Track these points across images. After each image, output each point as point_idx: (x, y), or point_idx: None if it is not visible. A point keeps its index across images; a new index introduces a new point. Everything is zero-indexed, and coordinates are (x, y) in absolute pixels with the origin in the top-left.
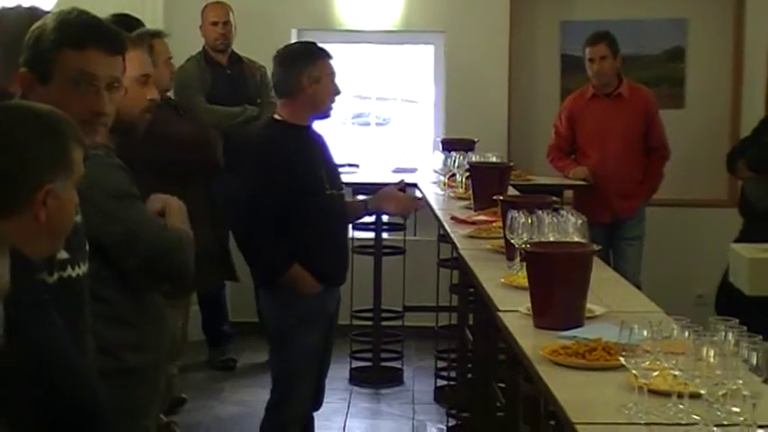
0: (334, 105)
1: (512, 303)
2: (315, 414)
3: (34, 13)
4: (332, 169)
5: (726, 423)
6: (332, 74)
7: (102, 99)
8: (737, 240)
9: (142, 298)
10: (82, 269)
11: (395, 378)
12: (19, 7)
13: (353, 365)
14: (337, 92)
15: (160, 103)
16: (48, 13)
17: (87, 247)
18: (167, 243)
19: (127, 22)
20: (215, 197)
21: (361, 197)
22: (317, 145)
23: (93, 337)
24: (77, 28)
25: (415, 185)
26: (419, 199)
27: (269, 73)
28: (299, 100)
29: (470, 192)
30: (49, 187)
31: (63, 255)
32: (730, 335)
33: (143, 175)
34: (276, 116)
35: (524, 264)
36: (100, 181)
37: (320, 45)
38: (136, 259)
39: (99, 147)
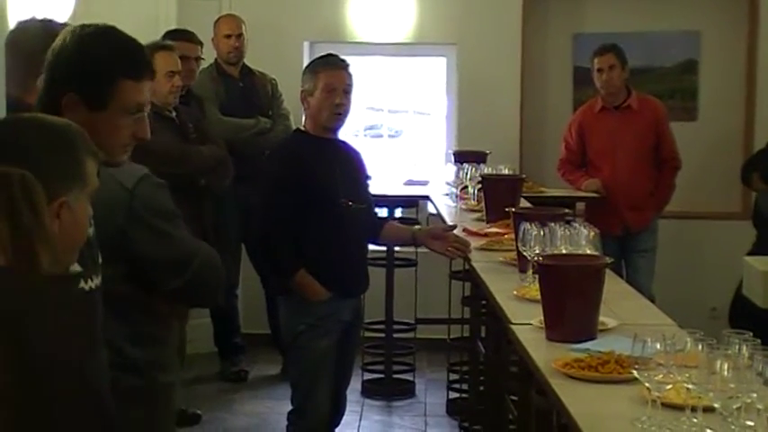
0: (338, 118)
1: (524, 316)
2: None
3: (48, 27)
4: (354, 182)
5: None
6: (328, 87)
7: (146, 125)
8: (751, 253)
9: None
10: (95, 282)
11: (407, 390)
12: (33, 20)
13: (365, 378)
14: (334, 104)
15: (152, 116)
16: (62, 26)
17: (100, 260)
18: (211, 263)
19: (180, 36)
20: (205, 215)
21: (417, 227)
22: (341, 157)
23: (107, 352)
24: (136, 60)
25: (427, 197)
26: (467, 243)
27: (280, 85)
28: (307, 112)
29: (483, 204)
30: (62, 199)
31: (76, 268)
32: (744, 348)
33: None
34: (301, 126)
35: (537, 276)
36: (152, 201)
37: (331, 56)
38: (181, 279)
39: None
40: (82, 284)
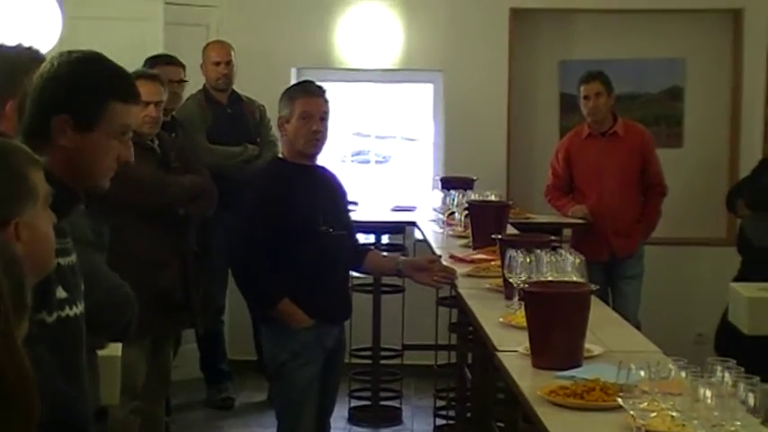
0: (315, 145)
1: (510, 343)
2: None
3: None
4: (333, 208)
5: None
6: (304, 113)
7: (130, 148)
8: (736, 279)
9: None
10: (79, 308)
11: (394, 417)
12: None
13: (352, 404)
14: (311, 130)
15: (133, 146)
16: (41, 56)
17: (83, 286)
18: (121, 297)
19: (161, 60)
20: (185, 244)
21: (402, 258)
22: (320, 183)
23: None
24: (125, 83)
25: (414, 224)
26: (453, 272)
27: (268, 112)
28: (284, 139)
29: (469, 230)
30: (17, 221)
31: (62, 294)
32: (728, 376)
33: (113, 213)
34: (279, 154)
35: (523, 303)
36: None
37: (307, 83)
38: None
39: None
40: (67, 310)
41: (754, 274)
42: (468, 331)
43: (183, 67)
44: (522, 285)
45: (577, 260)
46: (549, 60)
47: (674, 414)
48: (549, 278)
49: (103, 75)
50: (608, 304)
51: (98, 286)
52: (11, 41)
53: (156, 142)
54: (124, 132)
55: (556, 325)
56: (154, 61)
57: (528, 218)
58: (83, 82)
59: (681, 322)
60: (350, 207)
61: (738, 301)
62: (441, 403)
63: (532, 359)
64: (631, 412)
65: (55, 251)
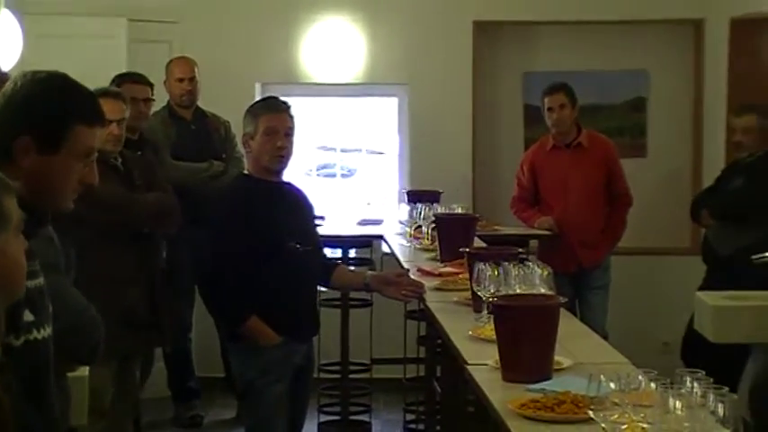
0: (280, 161)
1: (480, 356)
2: None
3: None
4: (301, 224)
5: None
6: (269, 130)
7: (94, 171)
8: (701, 287)
9: None
10: (47, 331)
11: (363, 431)
12: None
13: (321, 419)
14: (276, 147)
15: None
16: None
17: (51, 309)
18: (87, 320)
19: (128, 78)
20: (151, 262)
21: (369, 272)
22: (287, 199)
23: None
24: (90, 106)
25: (381, 237)
26: (421, 285)
27: (233, 127)
28: (249, 155)
29: (436, 243)
30: None
31: (29, 317)
32: (697, 386)
33: (79, 231)
34: (245, 170)
35: (492, 316)
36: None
37: (272, 99)
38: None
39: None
40: (35, 333)
41: (718, 283)
42: (437, 344)
43: (150, 85)
44: (490, 299)
45: (545, 272)
46: (512, 72)
47: (644, 426)
48: (518, 291)
49: (68, 97)
50: (575, 315)
51: (64, 309)
52: None
53: (120, 160)
54: (88, 155)
55: (525, 338)
56: (121, 79)
57: (495, 230)
58: (47, 104)
59: (647, 331)
60: (317, 222)
61: (703, 310)
62: (410, 417)
63: (502, 372)
64: (603, 425)
65: None
